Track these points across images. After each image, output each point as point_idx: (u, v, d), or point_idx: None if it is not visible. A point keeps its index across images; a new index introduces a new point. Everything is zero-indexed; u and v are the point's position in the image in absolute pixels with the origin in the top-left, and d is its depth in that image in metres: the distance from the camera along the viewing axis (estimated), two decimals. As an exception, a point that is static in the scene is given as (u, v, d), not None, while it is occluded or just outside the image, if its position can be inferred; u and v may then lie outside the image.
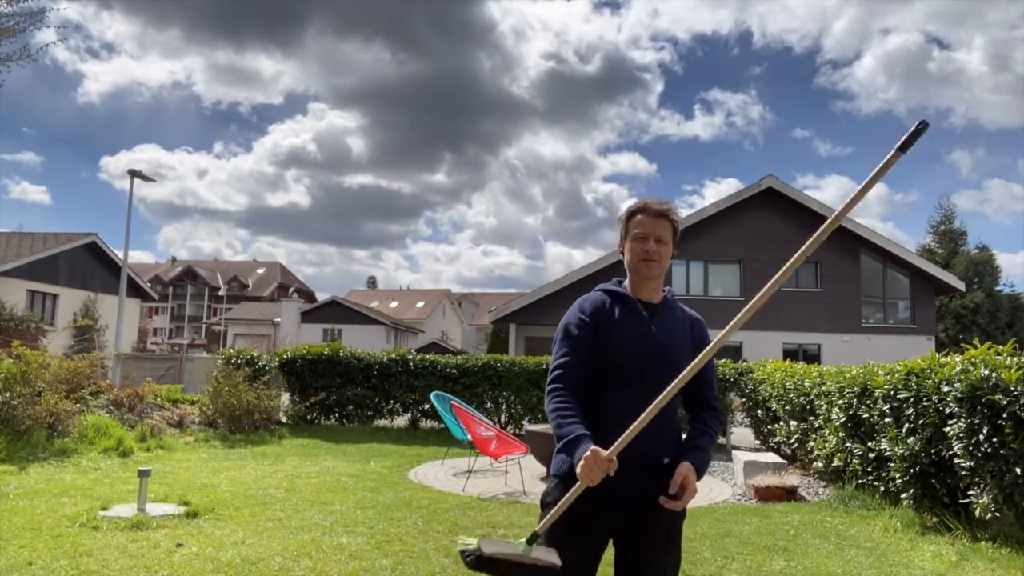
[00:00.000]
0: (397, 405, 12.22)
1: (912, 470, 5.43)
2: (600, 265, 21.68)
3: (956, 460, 4.92)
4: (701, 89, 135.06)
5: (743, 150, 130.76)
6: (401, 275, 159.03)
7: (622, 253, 2.21)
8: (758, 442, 10.67)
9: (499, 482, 7.42)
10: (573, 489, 1.87)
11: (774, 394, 9.12)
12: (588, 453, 1.83)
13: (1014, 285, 55.62)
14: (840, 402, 6.75)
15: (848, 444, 6.57)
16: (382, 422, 12.38)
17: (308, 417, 11.91)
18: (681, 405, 2.18)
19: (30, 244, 25.00)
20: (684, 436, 2.13)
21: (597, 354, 2.06)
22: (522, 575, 1.84)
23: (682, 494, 1.92)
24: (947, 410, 5.02)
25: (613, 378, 2.04)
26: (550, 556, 1.84)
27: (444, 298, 65.83)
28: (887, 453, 5.74)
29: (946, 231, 40.53)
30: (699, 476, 1.97)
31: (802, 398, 8.01)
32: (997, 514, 4.59)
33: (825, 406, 7.23)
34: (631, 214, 2.18)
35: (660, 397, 1.83)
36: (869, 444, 6.17)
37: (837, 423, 6.79)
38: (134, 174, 20.22)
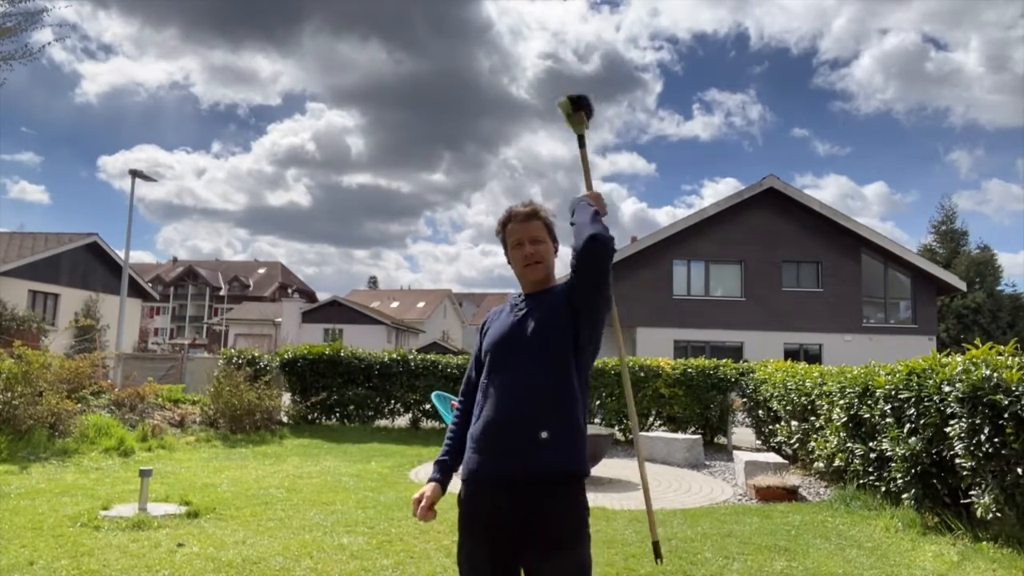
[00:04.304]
0: (398, 405, 12.23)
1: (913, 470, 5.42)
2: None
3: (957, 460, 4.91)
4: (700, 89, 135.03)
5: (742, 150, 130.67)
6: (401, 275, 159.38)
7: (510, 264, 2.27)
8: (759, 442, 10.67)
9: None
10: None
11: (775, 394, 9.12)
12: (416, 495, 2.10)
13: (1015, 285, 55.54)
14: (841, 402, 6.74)
15: (849, 444, 6.57)
16: (383, 422, 12.38)
17: (309, 417, 11.91)
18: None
19: (31, 244, 25.01)
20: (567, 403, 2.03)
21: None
22: None
23: None
24: (948, 410, 5.02)
25: (485, 369, 2.17)
26: None
27: (445, 298, 65.83)
28: (888, 453, 5.73)
29: (947, 231, 40.49)
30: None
31: (803, 398, 8.00)
32: (998, 514, 4.59)
33: (826, 406, 7.23)
34: (503, 225, 2.25)
35: None
36: (870, 444, 6.16)
37: (838, 423, 6.78)
38: (135, 174, 20.25)
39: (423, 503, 2.07)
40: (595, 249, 1.97)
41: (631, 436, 11.17)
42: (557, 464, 1.94)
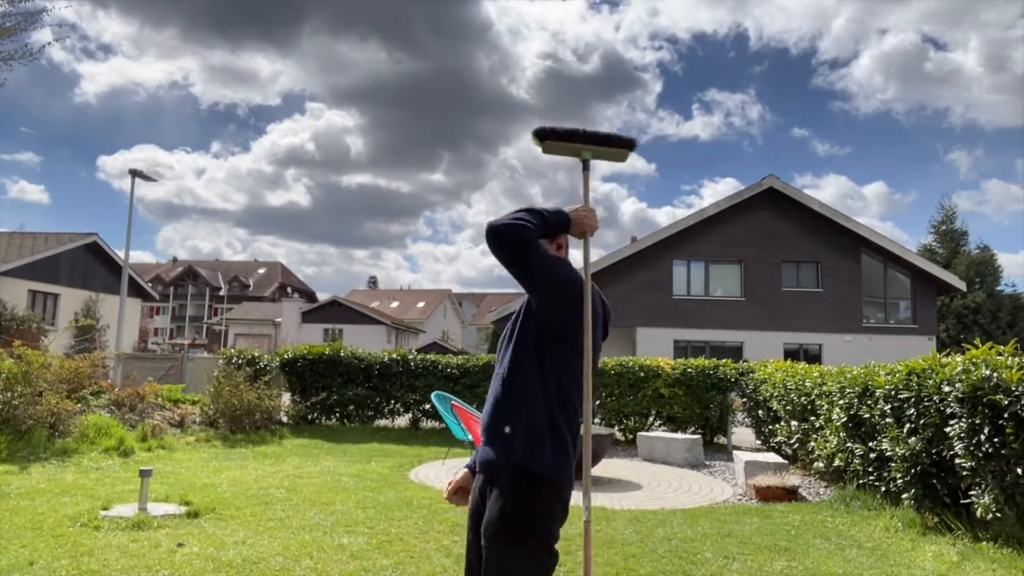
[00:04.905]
0: (398, 405, 12.23)
1: (913, 470, 5.43)
2: (600, 265, 21.68)
3: (957, 460, 4.92)
4: (700, 89, 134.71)
5: (742, 150, 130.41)
6: (401, 275, 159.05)
7: None
8: (759, 442, 10.67)
9: (500, 482, 7.40)
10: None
11: (775, 394, 9.12)
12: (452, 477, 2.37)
13: (1015, 285, 55.54)
14: (841, 402, 6.74)
15: (849, 444, 6.57)
16: (383, 422, 12.38)
17: (309, 417, 11.91)
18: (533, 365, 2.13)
19: (31, 244, 25.01)
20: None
21: None
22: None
23: None
24: (948, 410, 5.02)
25: None
26: None
27: (445, 298, 65.87)
28: (888, 453, 5.74)
29: (947, 231, 40.46)
30: None
31: (803, 398, 8.01)
32: (998, 514, 4.59)
33: (826, 406, 7.23)
34: None
35: None
36: (870, 444, 6.17)
37: (838, 423, 6.79)
38: (135, 174, 20.25)
39: (450, 486, 2.31)
40: (487, 234, 2.06)
41: (631, 436, 11.18)
42: (507, 458, 2.06)
